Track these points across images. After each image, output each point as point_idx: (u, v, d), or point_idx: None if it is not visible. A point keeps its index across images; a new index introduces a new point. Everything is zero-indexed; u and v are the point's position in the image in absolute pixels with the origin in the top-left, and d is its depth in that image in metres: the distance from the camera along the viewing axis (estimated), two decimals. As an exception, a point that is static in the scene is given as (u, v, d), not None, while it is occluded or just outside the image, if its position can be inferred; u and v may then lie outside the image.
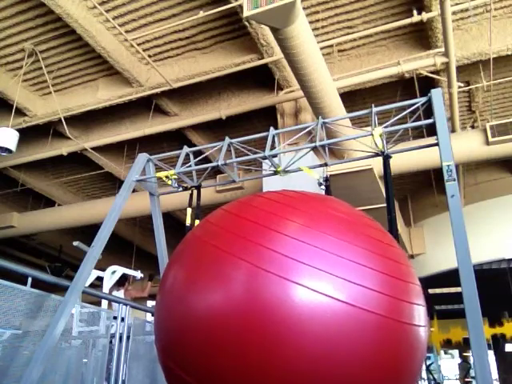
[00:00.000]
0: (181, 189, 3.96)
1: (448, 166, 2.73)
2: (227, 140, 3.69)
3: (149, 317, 6.54)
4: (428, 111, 3.08)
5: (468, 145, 6.22)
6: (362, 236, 1.16)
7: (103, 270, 7.42)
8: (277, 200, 1.24)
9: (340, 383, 1.01)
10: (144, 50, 5.98)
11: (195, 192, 3.94)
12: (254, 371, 1.00)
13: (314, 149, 3.50)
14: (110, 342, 4.52)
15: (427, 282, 8.67)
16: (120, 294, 7.18)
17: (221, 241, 1.14)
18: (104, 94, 6.62)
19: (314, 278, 1.03)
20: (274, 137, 3.60)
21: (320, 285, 1.02)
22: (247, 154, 3.64)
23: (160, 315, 1.23)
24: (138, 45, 5.86)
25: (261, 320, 1.00)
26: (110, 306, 6.49)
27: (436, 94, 2.94)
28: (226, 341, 1.02)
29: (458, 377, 13.52)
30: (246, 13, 3.99)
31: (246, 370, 1.01)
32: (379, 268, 1.09)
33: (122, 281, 7.51)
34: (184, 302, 1.11)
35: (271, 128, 3.62)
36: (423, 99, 3.10)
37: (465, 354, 12.53)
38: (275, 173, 3.63)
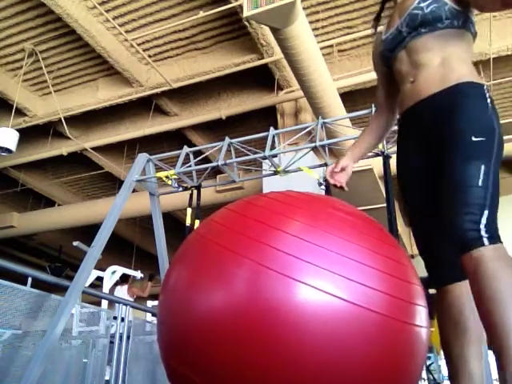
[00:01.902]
0: (181, 189, 3.96)
1: (448, 166, 2.73)
2: (227, 140, 3.69)
3: (149, 317, 6.55)
4: (428, 111, 3.07)
5: (468, 145, 6.21)
6: (365, 236, 1.16)
7: (103, 270, 7.43)
8: (281, 200, 1.25)
9: (342, 382, 1.01)
10: (144, 50, 5.98)
11: (195, 192, 3.94)
12: (257, 368, 1.00)
13: (314, 149, 3.50)
14: (111, 342, 4.52)
15: (427, 281, 8.66)
16: (123, 289, 7.19)
17: (224, 239, 1.14)
18: (104, 94, 6.62)
19: (317, 277, 1.03)
20: (273, 137, 3.60)
21: (323, 283, 1.03)
22: (247, 154, 3.65)
23: (163, 313, 1.23)
24: (138, 45, 5.85)
25: (263, 318, 1.00)
26: (110, 305, 6.50)
27: (436, 94, 2.94)
28: (229, 338, 1.03)
29: (457, 377, 13.52)
30: (246, 13, 4.00)
31: (249, 367, 1.01)
32: (381, 268, 1.10)
33: (125, 277, 7.52)
34: (187, 300, 1.11)
35: (271, 128, 3.62)
36: (423, 99, 3.10)
37: (465, 353, 12.52)
38: (275, 173, 3.63)
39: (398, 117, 1.78)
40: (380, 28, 1.82)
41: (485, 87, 1.49)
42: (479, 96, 1.46)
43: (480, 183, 1.28)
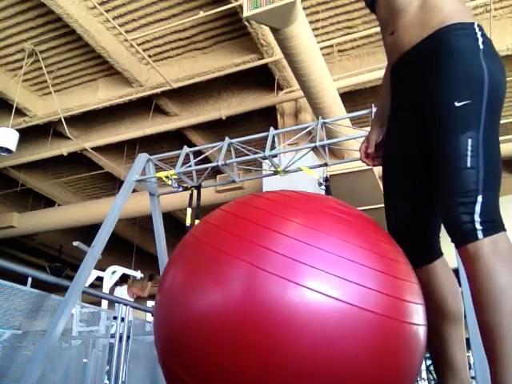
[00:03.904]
0: (181, 189, 3.96)
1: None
2: (227, 140, 3.68)
3: (149, 317, 6.55)
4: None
5: (468, 145, 6.20)
6: (360, 235, 1.15)
7: (103, 270, 7.43)
8: (276, 200, 1.24)
9: (339, 382, 1.01)
10: (144, 50, 5.98)
11: (195, 192, 3.94)
12: (253, 370, 1.00)
13: (314, 149, 3.50)
14: (111, 342, 4.53)
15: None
16: (123, 289, 7.19)
17: (219, 241, 1.14)
18: (104, 94, 6.62)
19: (313, 278, 1.02)
20: (273, 137, 3.60)
21: (319, 284, 1.02)
22: (247, 154, 3.64)
23: (159, 315, 1.23)
24: (138, 45, 5.85)
25: (259, 319, 1.00)
26: (110, 306, 6.50)
27: (436, 94, 2.94)
28: (224, 340, 1.02)
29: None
30: (246, 13, 4.00)
31: (245, 369, 1.01)
32: (378, 267, 1.09)
33: (125, 277, 7.52)
34: (183, 302, 1.11)
35: (271, 128, 3.62)
36: (423, 99, 3.10)
37: (465, 354, 12.52)
38: (275, 173, 3.63)
39: None
40: None
41: (475, 25, 1.20)
42: (466, 40, 1.18)
43: (469, 164, 1.09)
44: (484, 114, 1.12)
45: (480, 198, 1.08)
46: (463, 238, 1.10)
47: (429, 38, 1.22)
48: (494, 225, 1.09)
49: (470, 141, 1.10)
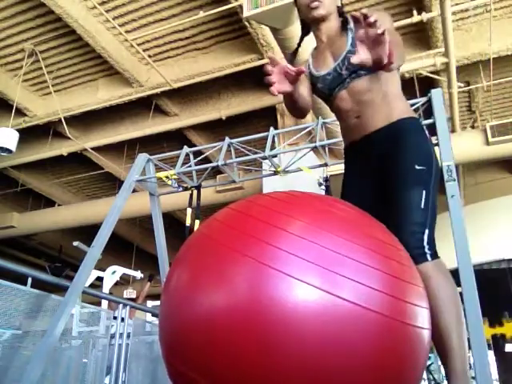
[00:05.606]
0: (181, 189, 3.96)
1: (448, 166, 2.72)
2: (227, 140, 3.68)
3: (149, 317, 6.55)
4: (428, 111, 3.07)
5: (468, 145, 6.21)
6: (366, 236, 1.16)
7: (103, 270, 7.43)
8: (283, 199, 1.25)
9: (342, 382, 1.01)
10: (144, 50, 5.98)
11: (195, 192, 3.94)
12: (257, 367, 1.00)
13: (314, 149, 3.50)
14: (110, 342, 4.53)
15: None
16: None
17: (226, 238, 1.14)
18: (104, 94, 6.62)
19: (318, 276, 1.03)
20: (273, 137, 3.60)
21: (324, 283, 1.03)
22: (247, 154, 3.64)
23: (165, 312, 1.23)
24: (138, 45, 5.86)
25: (264, 316, 1.00)
26: (110, 306, 6.50)
27: (436, 94, 2.93)
28: (230, 337, 1.03)
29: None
30: (246, 13, 4.00)
31: (250, 366, 1.01)
32: (383, 268, 1.09)
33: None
34: (188, 299, 1.11)
35: (271, 128, 3.62)
36: (423, 99, 3.10)
37: (465, 354, 12.51)
38: (275, 173, 3.63)
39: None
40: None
41: (420, 120, 1.78)
42: (418, 129, 1.72)
43: (422, 206, 1.54)
44: (433, 177, 1.61)
45: (427, 231, 1.52)
46: (416, 260, 1.39)
47: (391, 125, 1.70)
48: (435, 252, 1.52)
49: (424, 191, 1.57)
